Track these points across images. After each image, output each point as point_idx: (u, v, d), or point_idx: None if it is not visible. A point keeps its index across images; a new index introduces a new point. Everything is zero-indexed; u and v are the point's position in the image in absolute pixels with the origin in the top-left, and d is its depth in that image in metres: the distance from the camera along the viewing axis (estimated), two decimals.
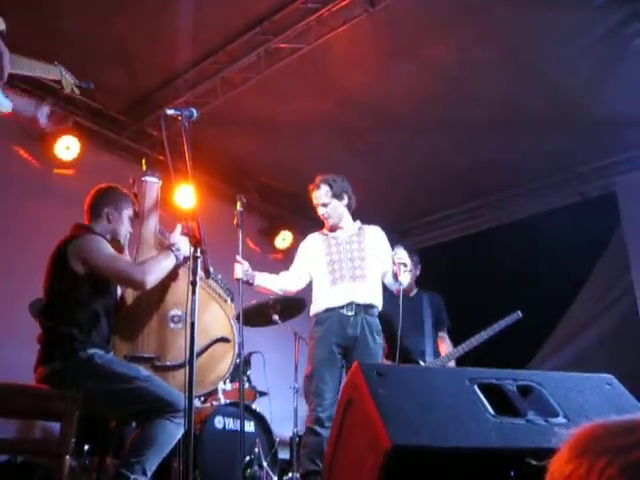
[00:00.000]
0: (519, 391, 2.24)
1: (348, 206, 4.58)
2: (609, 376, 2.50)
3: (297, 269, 4.63)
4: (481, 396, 2.15)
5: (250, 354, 5.28)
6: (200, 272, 2.91)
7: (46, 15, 5.08)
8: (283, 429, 5.33)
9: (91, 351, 3.14)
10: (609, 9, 5.04)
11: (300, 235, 8.02)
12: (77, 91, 3.66)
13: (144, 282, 3.24)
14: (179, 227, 3.49)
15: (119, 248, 3.50)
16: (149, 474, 3.04)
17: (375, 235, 4.59)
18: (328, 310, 4.32)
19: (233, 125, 6.59)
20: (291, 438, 5.23)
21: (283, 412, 5.31)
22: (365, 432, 1.99)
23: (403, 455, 1.82)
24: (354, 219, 4.64)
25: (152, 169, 3.70)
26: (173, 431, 3.07)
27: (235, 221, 4.16)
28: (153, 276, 3.27)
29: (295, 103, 6.22)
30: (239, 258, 4.27)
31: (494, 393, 2.19)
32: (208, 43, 5.54)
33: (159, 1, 4.99)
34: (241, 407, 4.00)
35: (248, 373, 5.16)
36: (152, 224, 3.56)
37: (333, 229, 4.57)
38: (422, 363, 5.26)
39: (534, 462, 1.85)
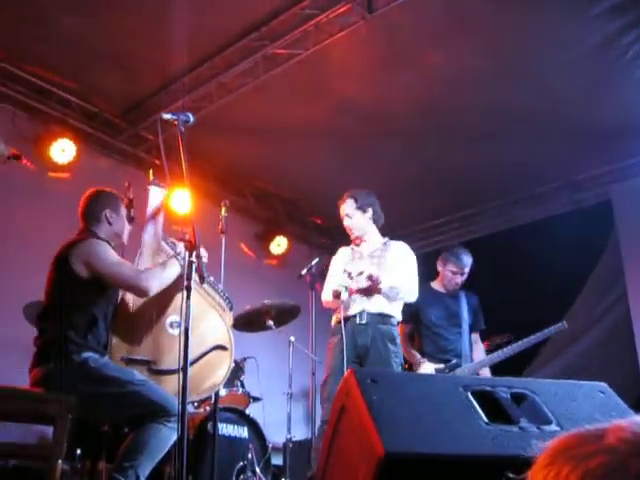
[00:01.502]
0: (512, 399, 2.24)
1: (373, 220, 4.71)
2: (602, 384, 2.51)
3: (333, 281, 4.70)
4: (474, 403, 2.15)
5: (244, 359, 5.26)
6: (195, 277, 2.92)
7: (43, 18, 5.08)
8: (276, 435, 5.32)
9: (85, 354, 3.14)
10: (605, 19, 5.06)
11: (295, 241, 8.05)
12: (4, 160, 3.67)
13: (148, 289, 3.27)
14: (182, 243, 3.51)
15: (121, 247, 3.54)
16: (142, 479, 3.03)
17: (398, 250, 4.69)
18: (345, 319, 4.39)
19: (229, 130, 6.59)
20: (284, 444, 5.22)
21: (277, 418, 5.30)
22: (358, 439, 1.98)
23: (396, 462, 1.82)
24: (383, 235, 4.77)
25: (159, 179, 3.72)
26: (166, 436, 3.06)
27: (220, 226, 4.12)
28: (157, 283, 3.30)
29: (292, 109, 6.23)
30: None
31: (487, 400, 2.19)
32: (205, 48, 5.55)
33: (157, 6, 4.99)
34: (215, 414, 3.99)
35: (242, 378, 5.14)
36: (154, 231, 3.57)
37: (357, 242, 4.71)
38: (455, 362, 5.03)
39: (512, 475, 1.85)
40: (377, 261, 4.58)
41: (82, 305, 3.22)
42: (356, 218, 4.65)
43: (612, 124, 6.20)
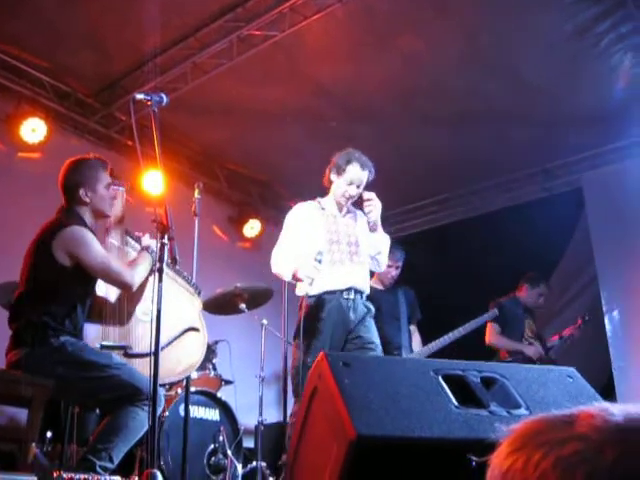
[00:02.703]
0: (483, 383, 2.27)
1: None
2: (571, 369, 2.55)
3: (292, 250, 4.22)
4: (445, 387, 2.17)
5: (216, 342, 5.26)
6: (167, 259, 2.90)
7: None
8: (248, 418, 5.33)
9: (63, 338, 3.12)
10: (580, 7, 5.09)
11: (269, 224, 8.03)
12: None
13: (133, 284, 3.29)
14: (147, 235, 3.49)
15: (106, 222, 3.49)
16: (116, 461, 3.02)
17: (362, 218, 4.38)
18: (328, 293, 4.08)
19: (203, 111, 6.54)
20: (256, 427, 5.23)
21: (248, 401, 5.30)
22: (330, 421, 2.00)
23: (368, 445, 1.84)
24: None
25: (117, 177, 3.62)
26: (144, 419, 3.05)
27: (193, 208, 4.07)
28: (139, 278, 3.32)
29: (266, 91, 6.19)
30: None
31: (458, 384, 2.22)
32: (180, 28, 5.48)
33: None
34: (187, 396, 3.99)
35: (214, 361, 5.14)
36: (120, 232, 3.54)
37: (338, 207, 4.32)
38: (395, 354, 5.35)
39: (475, 458, 1.88)
40: (352, 231, 4.28)
41: (62, 292, 3.20)
42: (359, 193, 4.28)
43: (584, 112, 6.25)
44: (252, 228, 7.87)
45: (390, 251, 5.43)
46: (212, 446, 4.47)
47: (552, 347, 6.14)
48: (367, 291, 4.26)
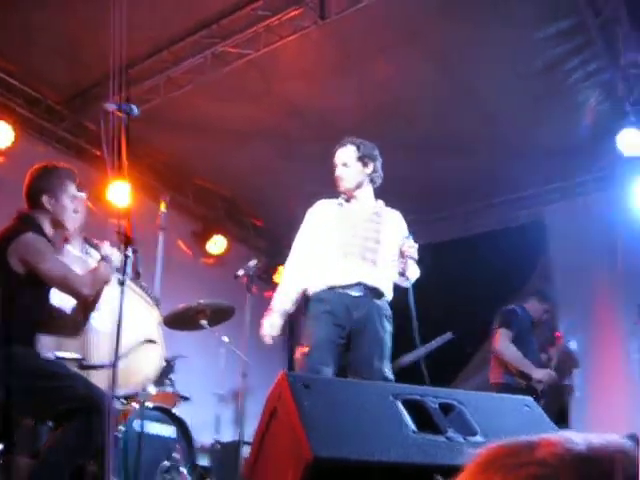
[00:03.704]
0: (441, 409, 2.28)
1: (371, 178, 4.07)
2: (528, 398, 2.58)
3: (308, 248, 4.00)
4: (404, 412, 2.17)
5: (175, 358, 5.20)
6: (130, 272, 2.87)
7: None
8: (204, 436, 5.27)
9: (16, 348, 3.05)
10: (551, 43, 5.20)
11: (234, 241, 8.00)
12: None
13: (88, 295, 3.21)
14: (107, 243, 3.42)
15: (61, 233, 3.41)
16: (66, 476, 2.96)
17: (396, 221, 4.14)
18: (332, 288, 3.82)
19: (174, 125, 6.52)
20: (212, 445, 5.18)
21: (205, 418, 5.26)
22: (287, 442, 1.99)
23: (324, 467, 1.83)
24: (376, 198, 4.13)
25: (80, 184, 3.56)
26: (96, 433, 2.99)
27: (158, 222, 4.03)
28: (95, 289, 3.23)
29: (239, 108, 6.20)
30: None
31: (416, 409, 2.22)
32: (155, 41, 5.48)
33: None
34: (143, 412, 3.94)
35: (172, 377, 5.08)
36: (79, 240, 3.48)
37: (347, 197, 4.03)
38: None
39: (440, 478, 1.89)
40: (375, 227, 3.99)
41: (15, 300, 3.12)
42: (353, 169, 4.00)
43: (550, 146, 6.36)
44: (217, 244, 7.82)
45: None
46: (166, 463, 4.39)
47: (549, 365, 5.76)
48: (386, 293, 3.93)
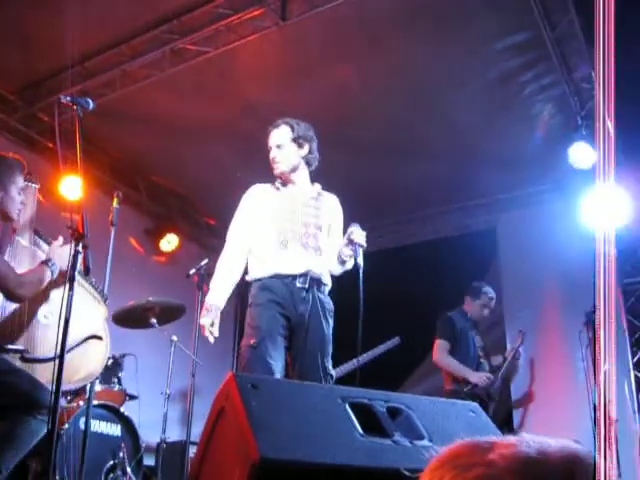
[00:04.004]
0: (388, 412, 2.30)
1: (306, 160, 3.92)
2: (474, 404, 2.62)
3: (244, 235, 3.82)
4: (351, 415, 2.19)
5: (123, 356, 5.14)
6: (79, 268, 2.83)
7: None
8: (150, 435, 5.22)
9: None
10: (506, 55, 5.30)
11: (186, 240, 7.94)
12: None
13: (23, 297, 3.15)
14: (60, 239, 3.35)
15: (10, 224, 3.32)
16: (5, 473, 2.90)
17: (334, 206, 4.02)
18: (277, 277, 3.67)
19: (129, 120, 6.44)
20: (158, 444, 5.13)
21: (152, 417, 5.20)
22: (234, 443, 1.98)
23: (270, 468, 1.83)
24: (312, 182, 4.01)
25: (31, 174, 3.50)
26: (36, 429, 2.94)
27: (110, 218, 3.97)
28: (31, 292, 3.15)
29: (196, 106, 6.15)
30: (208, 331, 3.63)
31: (364, 413, 2.24)
32: (112, 33, 5.40)
33: None
34: (89, 409, 3.89)
35: (119, 375, 5.02)
36: (29, 232, 3.40)
37: (283, 181, 3.90)
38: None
39: (407, 473, 1.91)
40: (313, 212, 3.85)
41: None
42: (287, 151, 3.86)
43: (504, 156, 6.47)
44: (169, 242, 7.75)
45: None
46: (111, 462, 4.35)
47: (499, 366, 5.91)
48: (327, 283, 3.82)
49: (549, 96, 5.77)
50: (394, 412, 2.32)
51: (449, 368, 5.70)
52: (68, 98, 3.14)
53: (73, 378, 3.32)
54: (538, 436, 0.83)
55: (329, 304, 3.78)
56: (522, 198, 7.27)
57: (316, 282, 3.71)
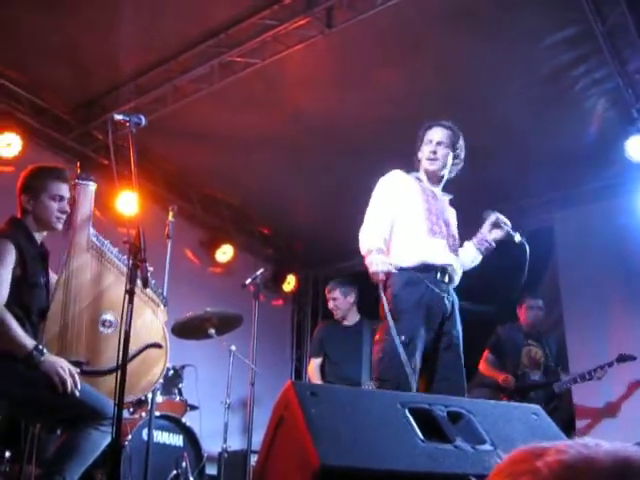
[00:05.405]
0: (449, 417, 2.27)
1: (453, 163, 3.96)
2: (536, 406, 2.57)
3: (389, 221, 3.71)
4: (411, 420, 2.17)
5: (183, 367, 5.21)
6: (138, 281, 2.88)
7: None
8: (212, 445, 5.27)
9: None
10: (557, 50, 5.20)
11: (241, 250, 8.01)
12: None
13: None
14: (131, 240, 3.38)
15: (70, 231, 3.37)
16: None
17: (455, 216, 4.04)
18: (424, 268, 3.54)
19: (181, 134, 6.54)
20: (220, 454, 5.18)
21: (213, 427, 5.25)
22: (295, 451, 1.98)
23: (331, 475, 1.82)
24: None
25: (86, 172, 3.58)
26: (98, 440, 2.99)
27: (166, 231, 4.04)
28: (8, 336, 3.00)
29: (245, 117, 6.21)
30: None
31: (424, 418, 2.22)
32: (161, 50, 5.50)
33: (114, 3, 4.93)
34: (151, 420, 3.94)
35: (180, 386, 5.09)
36: (86, 229, 3.45)
37: (428, 177, 3.90)
38: None
39: (474, 479, 1.89)
40: (452, 215, 3.93)
41: (10, 303, 3.08)
42: (445, 152, 3.88)
43: (558, 153, 6.35)
44: (224, 253, 7.84)
45: (342, 284, 5.55)
46: (174, 472, 4.40)
47: (562, 382, 5.88)
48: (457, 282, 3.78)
49: (602, 90, 5.64)
50: (455, 417, 2.30)
51: (486, 371, 6.08)
52: (121, 116, 3.21)
53: (134, 388, 3.37)
54: (596, 440, 0.81)
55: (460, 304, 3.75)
56: (579, 195, 7.10)
57: (452, 279, 3.68)
